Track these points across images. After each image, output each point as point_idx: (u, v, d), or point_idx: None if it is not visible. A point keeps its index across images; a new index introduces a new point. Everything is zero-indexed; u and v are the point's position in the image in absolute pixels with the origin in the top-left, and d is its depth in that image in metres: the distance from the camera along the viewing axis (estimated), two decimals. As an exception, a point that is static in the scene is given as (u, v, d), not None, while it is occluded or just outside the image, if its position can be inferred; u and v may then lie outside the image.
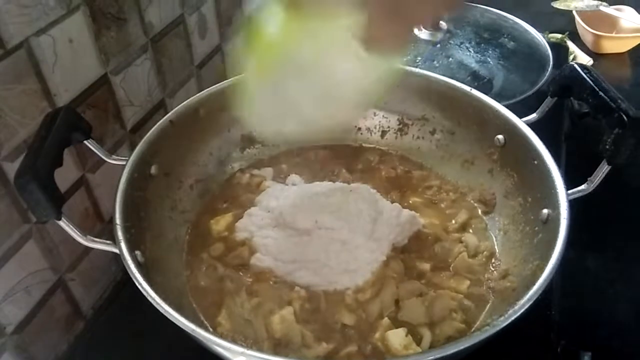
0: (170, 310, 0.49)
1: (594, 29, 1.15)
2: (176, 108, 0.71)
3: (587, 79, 0.61)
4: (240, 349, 0.47)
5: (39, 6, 0.56)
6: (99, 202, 0.71)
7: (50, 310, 0.65)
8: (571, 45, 1.18)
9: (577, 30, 1.21)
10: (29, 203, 0.51)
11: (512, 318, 0.48)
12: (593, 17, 1.19)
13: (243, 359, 0.49)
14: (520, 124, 0.67)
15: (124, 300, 0.71)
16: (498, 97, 0.72)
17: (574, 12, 1.20)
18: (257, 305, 0.60)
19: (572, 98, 0.68)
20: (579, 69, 0.63)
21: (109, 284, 0.75)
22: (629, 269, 0.73)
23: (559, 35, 1.20)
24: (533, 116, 0.69)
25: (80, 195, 0.68)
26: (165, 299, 0.50)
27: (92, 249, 0.56)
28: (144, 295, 0.50)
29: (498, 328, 0.47)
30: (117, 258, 0.54)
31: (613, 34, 1.18)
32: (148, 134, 0.66)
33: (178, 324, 0.48)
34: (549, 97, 0.68)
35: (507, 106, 0.70)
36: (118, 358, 0.65)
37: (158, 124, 0.68)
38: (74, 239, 0.55)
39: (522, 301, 0.49)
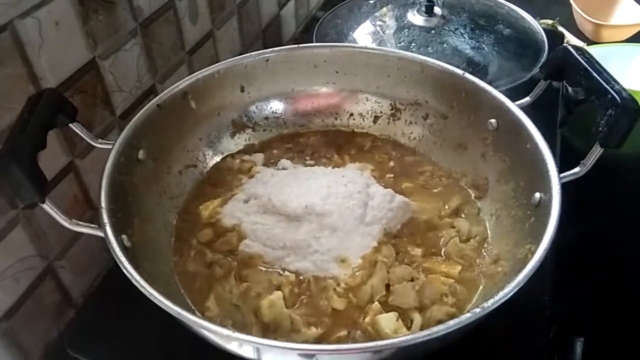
0: (155, 294, 0.48)
1: (591, 17, 1.14)
2: (164, 92, 0.70)
3: (581, 60, 0.60)
4: (227, 332, 0.46)
5: (23, -13, 0.55)
6: (89, 188, 0.70)
7: (39, 297, 0.65)
8: (563, 31, 1.17)
9: (572, 17, 1.20)
10: (11, 186, 0.50)
11: (503, 300, 0.47)
12: (590, 4, 1.18)
13: (235, 344, 0.48)
14: (513, 107, 0.66)
15: (115, 288, 0.69)
16: (493, 84, 0.71)
17: (571, 0, 1.19)
18: (245, 290, 0.60)
19: (565, 82, 0.67)
20: (572, 50, 0.62)
21: (100, 271, 0.74)
22: (621, 254, 0.73)
23: (550, 21, 1.19)
24: (526, 99, 0.68)
25: (70, 181, 0.67)
26: (152, 284, 0.49)
27: (81, 235, 0.56)
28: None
29: (487, 310, 0.47)
30: (108, 245, 0.53)
31: (611, 22, 1.17)
32: (135, 118, 0.66)
33: (163, 307, 0.47)
34: (542, 79, 0.67)
35: (501, 92, 0.69)
36: (109, 346, 0.64)
37: (145, 108, 0.67)
38: (62, 225, 0.54)
39: (512, 284, 0.48)
